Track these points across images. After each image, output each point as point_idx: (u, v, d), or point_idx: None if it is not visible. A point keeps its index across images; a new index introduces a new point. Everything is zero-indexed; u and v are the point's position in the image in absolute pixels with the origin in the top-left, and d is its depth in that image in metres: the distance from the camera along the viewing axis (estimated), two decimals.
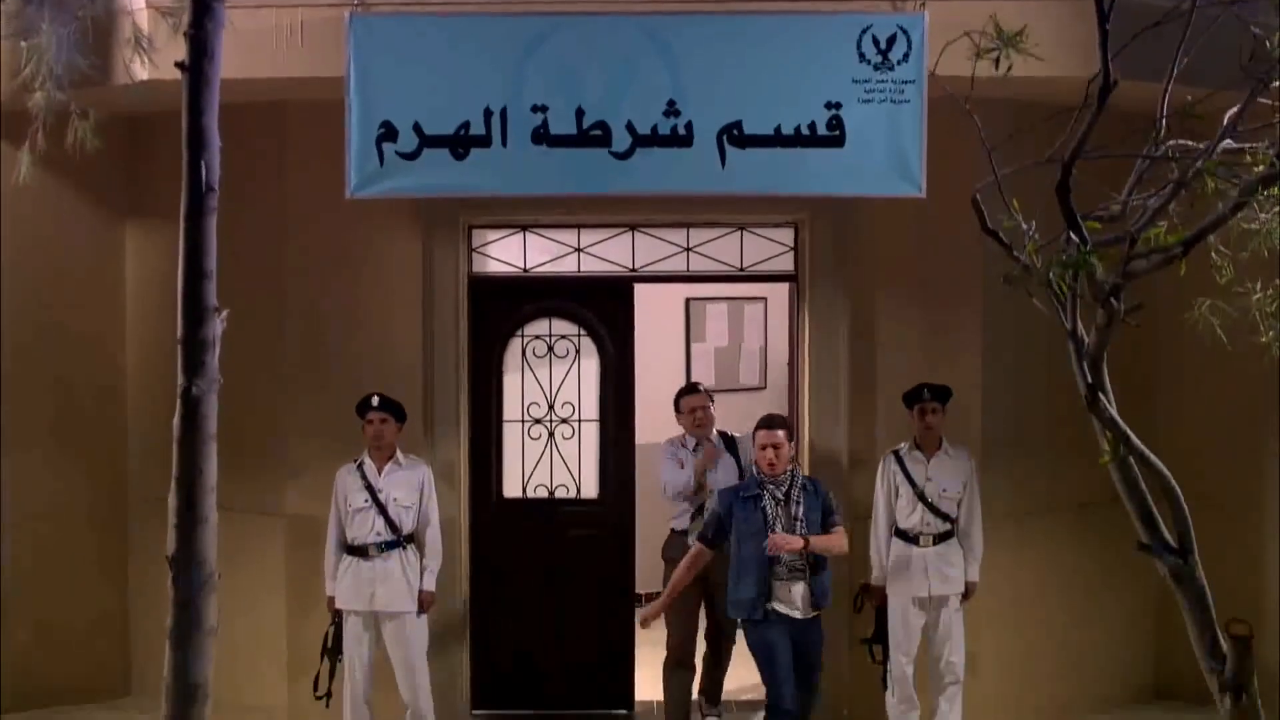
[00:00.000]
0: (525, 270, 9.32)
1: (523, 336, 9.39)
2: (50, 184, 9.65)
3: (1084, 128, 5.40)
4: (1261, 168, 5.44)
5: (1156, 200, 5.64)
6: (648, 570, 9.66)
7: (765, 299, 12.67)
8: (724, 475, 8.83)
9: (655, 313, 11.20)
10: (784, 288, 10.23)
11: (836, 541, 7.98)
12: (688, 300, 12.75)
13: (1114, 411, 5.81)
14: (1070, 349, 5.85)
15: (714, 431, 9.03)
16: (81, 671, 9.85)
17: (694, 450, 8.97)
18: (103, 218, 10.00)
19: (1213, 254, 6.16)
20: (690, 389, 9.23)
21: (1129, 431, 5.82)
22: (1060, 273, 5.39)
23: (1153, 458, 5.89)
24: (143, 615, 9.75)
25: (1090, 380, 5.80)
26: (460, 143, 8.01)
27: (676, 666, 8.89)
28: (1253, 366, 7.42)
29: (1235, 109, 5.58)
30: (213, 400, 6.18)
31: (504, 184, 8.10)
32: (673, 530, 9.00)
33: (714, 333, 12.82)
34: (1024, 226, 5.60)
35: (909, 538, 8.73)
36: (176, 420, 6.19)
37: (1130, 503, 5.92)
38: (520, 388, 9.40)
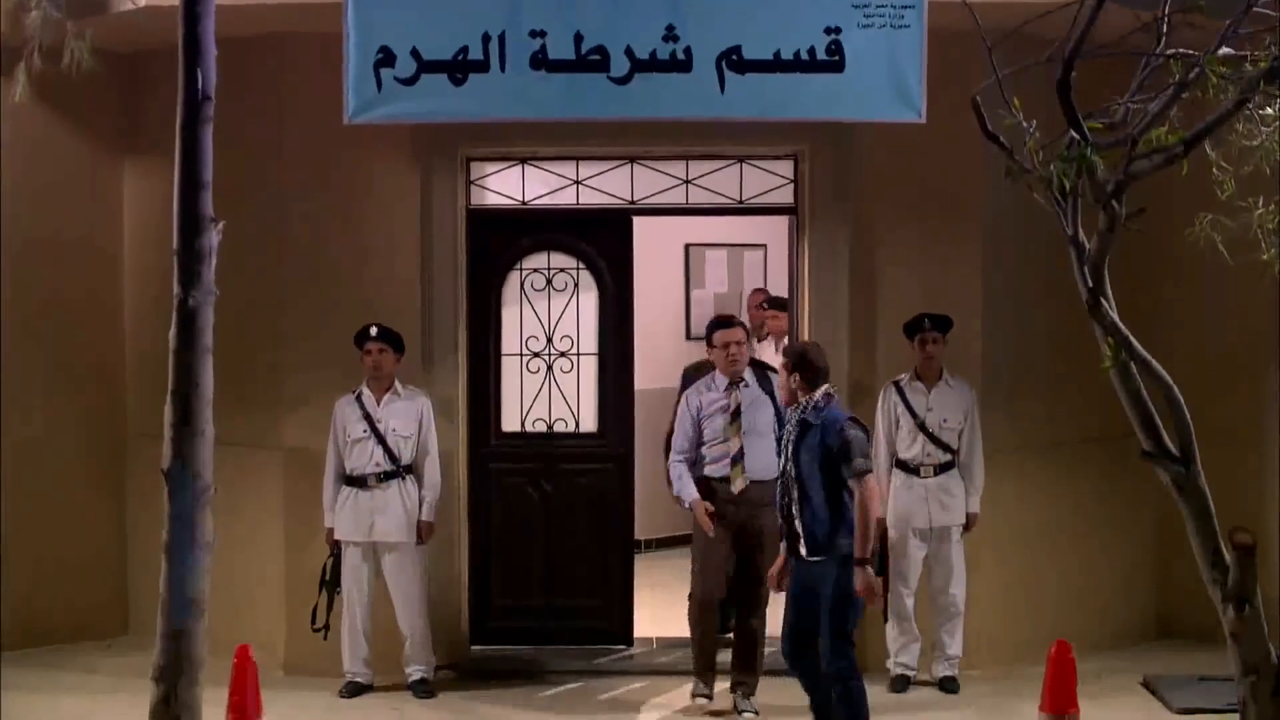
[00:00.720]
0: (524, 203, 9.27)
1: (521, 270, 9.36)
2: (49, 117, 9.68)
3: (1084, 25, 5.37)
4: (1264, 65, 5.40)
5: (1158, 103, 5.61)
6: (646, 505, 9.65)
7: (765, 245, 12.63)
8: (759, 414, 8.29)
9: (655, 258, 11.17)
10: (783, 236, 10.22)
11: (862, 515, 7.20)
12: (687, 246, 12.74)
13: (1115, 316, 5.78)
14: (1071, 254, 5.82)
15: (748, 368, 8.40)
16: (79, 610, 9.83)
17: (725, 390, 8.31)
18: (101, 152, 9.98)
19: (1214, 170, 6.13)
20: (724, 321, 8.51)
21: (1130, 337, 5.79)
22: (1062, 168, 5.35)
23: (1155, 364, 5.85)
24: (140, 554, 9.69)
25: (1091, 285, 5.77)
26: (458, 68, 7.92)
27: (703, 611, 8.38)
28: (1255, 286, 7.37)
29: (1233, 19, 5.56)
30: (208, 312, 6.16)
31: (502, 109, 8.03)
32: (707, 478, 8.30)
33: (713, 279, 12.79)
34: (1024, 125, 5.56)
35: (909, 468, 8.72)
36: (172, 332, 6.16)
37: (1132, 410, 5.89)
38: (519, 321, 9.36)
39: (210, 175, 6.09)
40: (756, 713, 8.19)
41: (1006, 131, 5.62)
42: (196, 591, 6.21)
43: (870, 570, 7.13)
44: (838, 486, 7.21)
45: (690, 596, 8.38)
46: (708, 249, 12.74)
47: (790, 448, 7.36)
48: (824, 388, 7.37)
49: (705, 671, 8.38)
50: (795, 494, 7.32)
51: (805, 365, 7.38)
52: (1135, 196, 5.63)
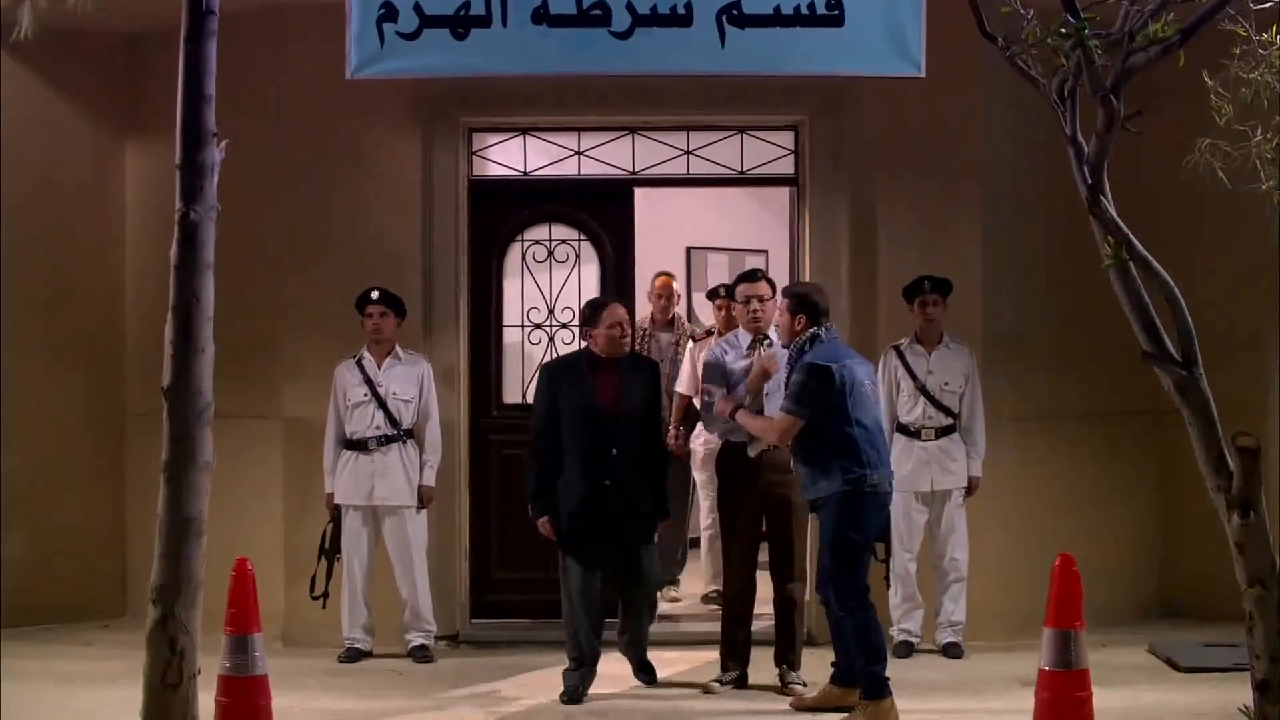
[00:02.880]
0: (525, 173, 9.31)
1: (522, 241, 9.39)
2: (51, 100, 9.79)
3: None
4: None
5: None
6: None
7: (766, 251, 12.66)
8: (782, 375, 7.65)
9: (656, 261, 11.17)
10: (783, 241, 10.24)
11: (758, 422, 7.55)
12: (689, 249, 12.78)
13: (1114, 213, 5.79)
14: (1070, 155, 5.84)
15: (772, 328, 7.88)
16: (77, 591, 9.78)
17: (748, 349, 7.92)
18: (103, 135, 10.03)
19: (1212, 95, 6.17)
20: (748, 275, 8.09)
21: (1131, 235, 5.80)
22: (1058, 43, 5.37)
23: (1155, 264, 5.86)
24: (139, 536, 9.60)
25: (1091, 182, 5.78)
26: (460, 23, 7.98)
27: (736, 624, 8.01)
28: (1258, 216, 7.38)
29: None
30: (210, 228, 6.21)
31: (503, 64, 8.08)
32: (727, 441, 7.97)
33: (715, 282, 12.76)
34: (1022, 13, 5.60)
35: (910, 432, 8.70)
36: (174, 248, 6.20)
37: (1131, 311, 5.89)
38: (520, 293, 9.38)
39: (213, 89, 6.17)
40: (805, 684, 7.79)
41: (1003, 20, 5.67)
42: (195, 511, 6.20)
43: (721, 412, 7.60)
44: (819, 432, 7.19)
45: (722, 594, 8.13)
46: (709, 253, 12.77)
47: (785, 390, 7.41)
48: (811, 330, 7.35)
49: (726, 660, 8.04)
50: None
51: (807, 305, 7.37)
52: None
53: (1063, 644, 6.13)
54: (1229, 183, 6.20)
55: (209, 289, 6.20)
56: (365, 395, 8.61)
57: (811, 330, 7.34)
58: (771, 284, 8.01)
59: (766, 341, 7.90)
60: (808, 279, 9.10)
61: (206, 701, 6.23)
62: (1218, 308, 8.67)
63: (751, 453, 7.85)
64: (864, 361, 7.57)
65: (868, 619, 7.16)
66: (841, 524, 7.18)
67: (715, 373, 7.94)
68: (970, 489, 8.73)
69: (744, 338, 8.00)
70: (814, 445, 7.21)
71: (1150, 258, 5.80)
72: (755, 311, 7.88)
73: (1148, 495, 9.71)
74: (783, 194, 10.01)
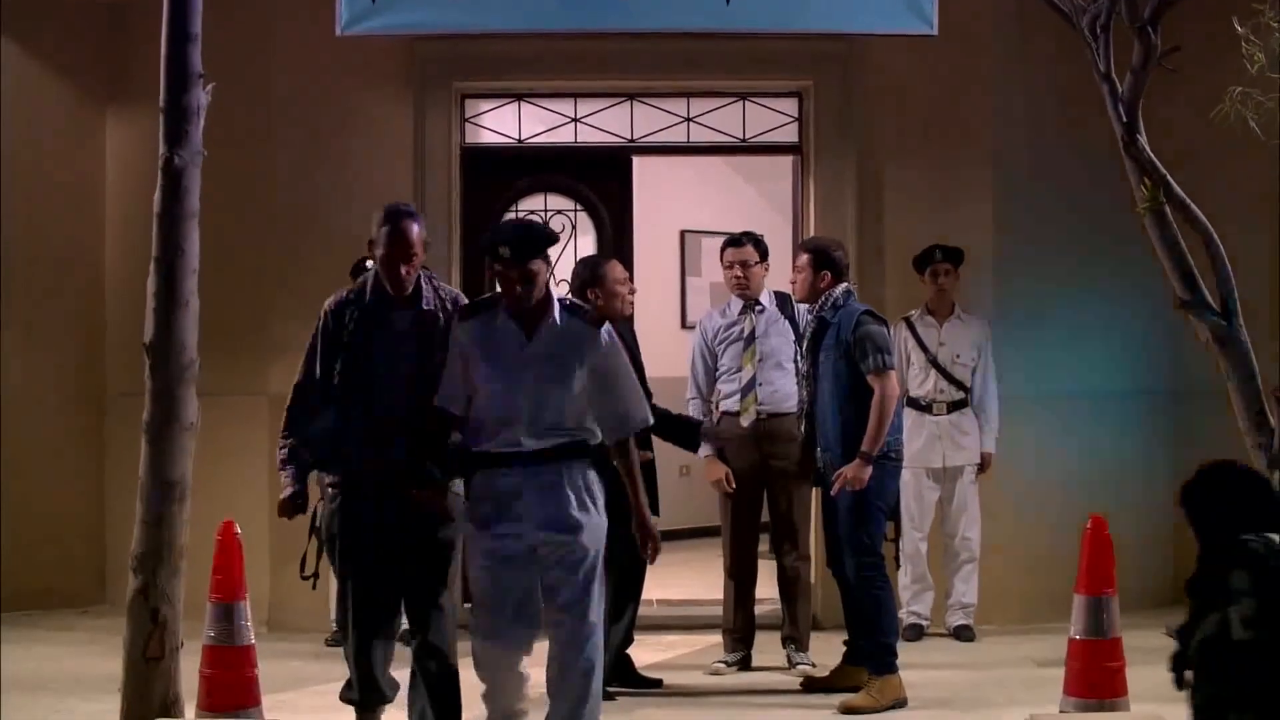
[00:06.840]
0: (520, 141, 9.05)
1: (517, 211, 9.14)
2: (30, 71, 9.54)
3: None
4: None
5: None
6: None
7: (762, 235, 12.37)
8: (777, 340, 7.68)
9: (650, 246, 10.92)
10: (781, 229, 9.99)
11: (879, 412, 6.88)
12: (683, 233, 12.54)
13: (1151, 154, 5.54)
14: (1104, 92, 5.60)
15: (765, 292, 7.76)
16: (55, 576, 9.49)
17: (739, 314, 7.73)
18: (83, 107, 9.77)
19: (1243, 43, 5.93)
20: (734, 240, 7.80)
21: (1169, 176, 5.55)
22: None
23: (1194, 208, 5.62)
24: (118, 522, 9.29)
25: (1126, 121, 5.53)
26: None
27: (733, 579, 7.77)
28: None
29: None
30: (195, 174, 6.01)
31: (498, 20, 7.97)
32: (724, 413, 7.74)
33: (710, 267, 12.51)
34: None
35: (921, 406, 8.48)
36: (157, 195, 5.99)
37: (1167, 258, 5.66)
38: None
39: (199, 28, 5.98)
40: (814, 665, 7.54)
41: None
42: (178, 474, 5.99)
43: (868, 467, 6.80)
44: (855, 387, 6.90)
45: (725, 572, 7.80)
46: (704, 236, 12.50)
47: (807, 346, 7.17)
48: (844, 285, 7.12)
49: (731, 642, 7.79)
50: (814, 395, 7.10)
51: (832, 261, 7.10)
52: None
53: (1095, 611, 5.93)
54: (1261, 133, 5.95)
55: (194, 239, 5.97)
56: None
57: (843, 286, 7.10)
58: (761, 249, 7.73)
59: (759, 308, 7.71)
60: None
61: (190, 678, 5.95)
62: (1248, 266, 8.45)
63: (745, 422, 7.61)
64: None
65: (883, 590, 6.93)
66: (868, 491, 6.89)
67: (696, 356, 7.80)
68: (983, 465, 8.50)
69: (735, 304, 7.77)
70: (856, 404, 6.88)
71: (1189, 201, 5.55)
72: (738, 278, 7.64)
73: (1163, 477, 9.40)
74: (781, 177, 9.76)
